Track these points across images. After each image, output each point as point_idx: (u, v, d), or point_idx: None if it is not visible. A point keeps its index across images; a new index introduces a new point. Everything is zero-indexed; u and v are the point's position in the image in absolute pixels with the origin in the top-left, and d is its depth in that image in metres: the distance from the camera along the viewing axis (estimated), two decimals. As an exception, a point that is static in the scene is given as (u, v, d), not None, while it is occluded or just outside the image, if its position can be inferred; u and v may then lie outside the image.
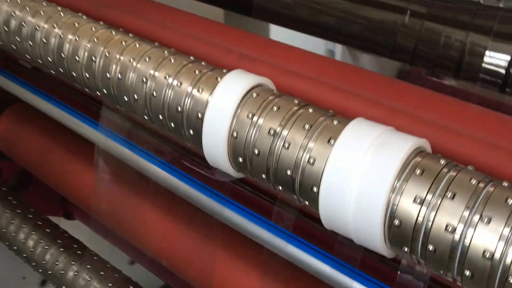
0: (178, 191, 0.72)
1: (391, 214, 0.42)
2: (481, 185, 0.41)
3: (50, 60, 0.72)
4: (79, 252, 0.90)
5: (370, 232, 0.43)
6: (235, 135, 0.51)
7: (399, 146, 0.43)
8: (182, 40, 0.73)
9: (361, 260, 0.52)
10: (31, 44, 0.73)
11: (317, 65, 0.68)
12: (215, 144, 0.53)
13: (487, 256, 0.38)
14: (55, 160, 1.03)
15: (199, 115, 0.54)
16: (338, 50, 1.35)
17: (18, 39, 0.75)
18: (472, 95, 0.73)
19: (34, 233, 0.95)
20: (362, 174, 0.43)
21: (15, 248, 0.99)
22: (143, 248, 0.88)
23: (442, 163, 0.43)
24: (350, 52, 1.16)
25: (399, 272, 0.49)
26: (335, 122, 0.48)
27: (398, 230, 0.42)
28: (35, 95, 0.91)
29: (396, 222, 0.42)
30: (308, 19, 0.87)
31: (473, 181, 0.41)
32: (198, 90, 0.55)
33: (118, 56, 0.62)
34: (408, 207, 0.41)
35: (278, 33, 1.21)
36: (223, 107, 0.51)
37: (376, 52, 0.83)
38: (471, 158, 0.48)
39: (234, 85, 0.53)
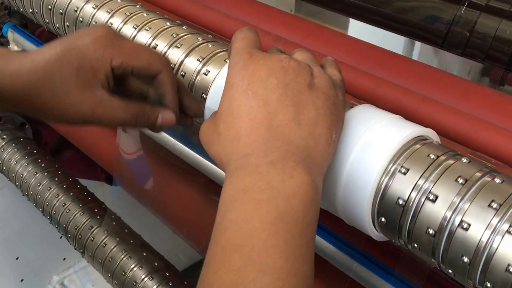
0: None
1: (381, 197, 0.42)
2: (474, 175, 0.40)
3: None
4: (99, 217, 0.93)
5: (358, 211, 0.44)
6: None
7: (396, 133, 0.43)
8: (222, 21, 0.74)
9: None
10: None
11: (356, 50, 0.67)
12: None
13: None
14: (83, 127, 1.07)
15: (204, 96, 0.54)
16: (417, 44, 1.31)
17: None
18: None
19: (58, 195, 1.00)
20: (354, 155, 0.43)
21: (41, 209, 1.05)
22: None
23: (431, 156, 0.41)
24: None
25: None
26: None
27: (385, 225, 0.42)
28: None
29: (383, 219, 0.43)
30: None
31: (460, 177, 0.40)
32: (205, 71, 0.55)
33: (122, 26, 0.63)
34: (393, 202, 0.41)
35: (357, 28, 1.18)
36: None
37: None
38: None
39: None
